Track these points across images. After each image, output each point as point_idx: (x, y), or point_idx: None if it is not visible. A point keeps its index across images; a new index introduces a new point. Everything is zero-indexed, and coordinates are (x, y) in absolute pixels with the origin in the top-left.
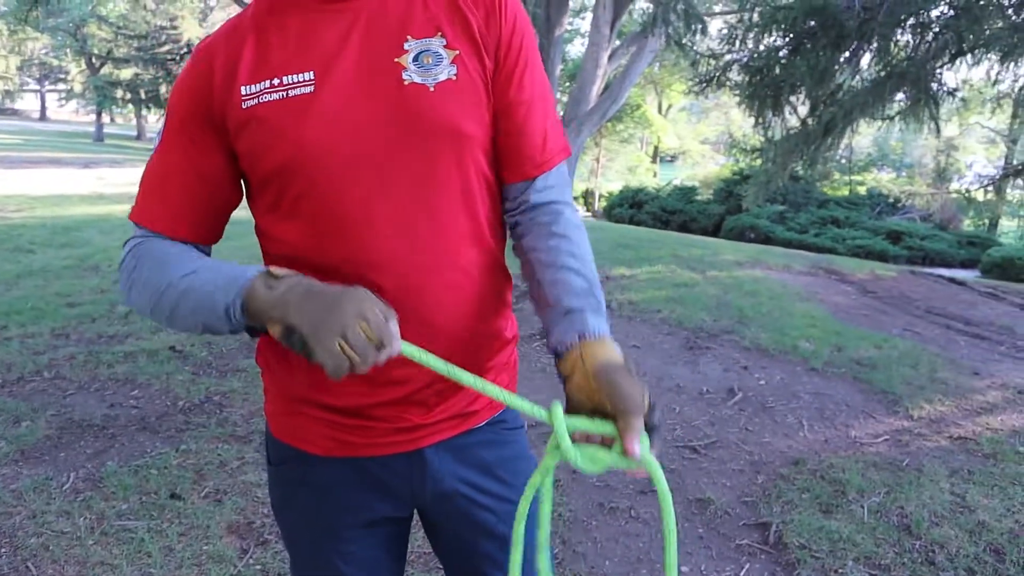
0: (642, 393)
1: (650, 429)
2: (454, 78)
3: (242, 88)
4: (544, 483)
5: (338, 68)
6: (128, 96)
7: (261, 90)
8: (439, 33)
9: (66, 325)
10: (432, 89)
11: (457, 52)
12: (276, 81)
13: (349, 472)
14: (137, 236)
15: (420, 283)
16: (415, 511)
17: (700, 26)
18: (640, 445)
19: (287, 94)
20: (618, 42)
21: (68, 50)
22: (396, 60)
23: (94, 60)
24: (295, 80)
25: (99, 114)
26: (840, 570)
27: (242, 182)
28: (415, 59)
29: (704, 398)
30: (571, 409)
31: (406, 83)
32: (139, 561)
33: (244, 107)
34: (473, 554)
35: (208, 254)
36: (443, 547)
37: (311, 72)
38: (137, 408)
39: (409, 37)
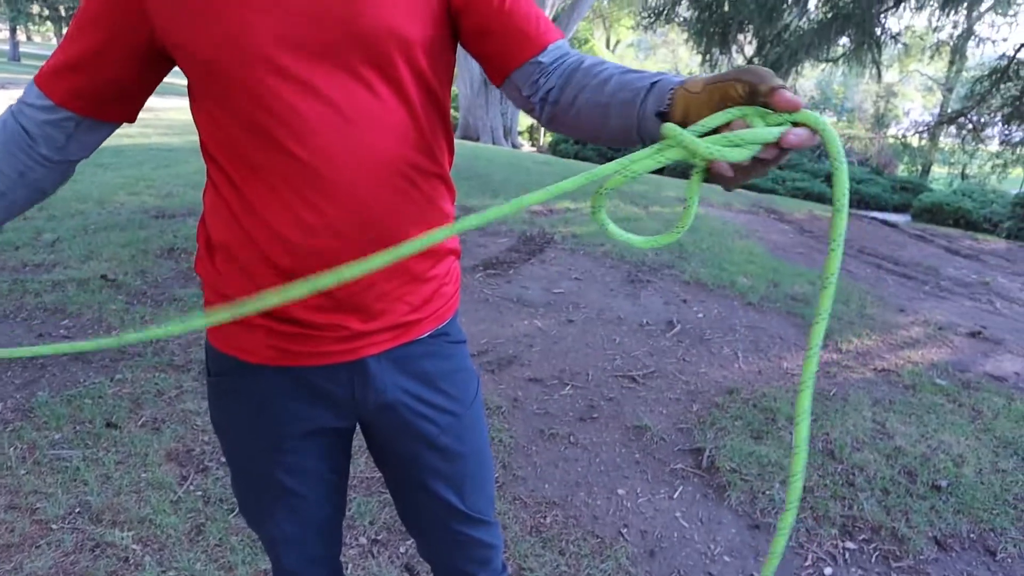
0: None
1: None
2: None
3: None
4: (692, 200)
5: None
6: (45, 12)
7: None
8: None
9: None
10: None
11: None
12: None
13: (290, 382)
14: (20, 101)
15: (355, 181)
16: (357, 426)
17: None
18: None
19: None
20: None
21: None
22: None
23: None
24: None
25: (13, 31)
26: (767, 492)
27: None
28: None
29: (644, 329)
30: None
31: None
32: (75, 489)
33: None
34: (415, 465)
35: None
36: (385, 459)
37: None
38: (68, 337)
39: None
